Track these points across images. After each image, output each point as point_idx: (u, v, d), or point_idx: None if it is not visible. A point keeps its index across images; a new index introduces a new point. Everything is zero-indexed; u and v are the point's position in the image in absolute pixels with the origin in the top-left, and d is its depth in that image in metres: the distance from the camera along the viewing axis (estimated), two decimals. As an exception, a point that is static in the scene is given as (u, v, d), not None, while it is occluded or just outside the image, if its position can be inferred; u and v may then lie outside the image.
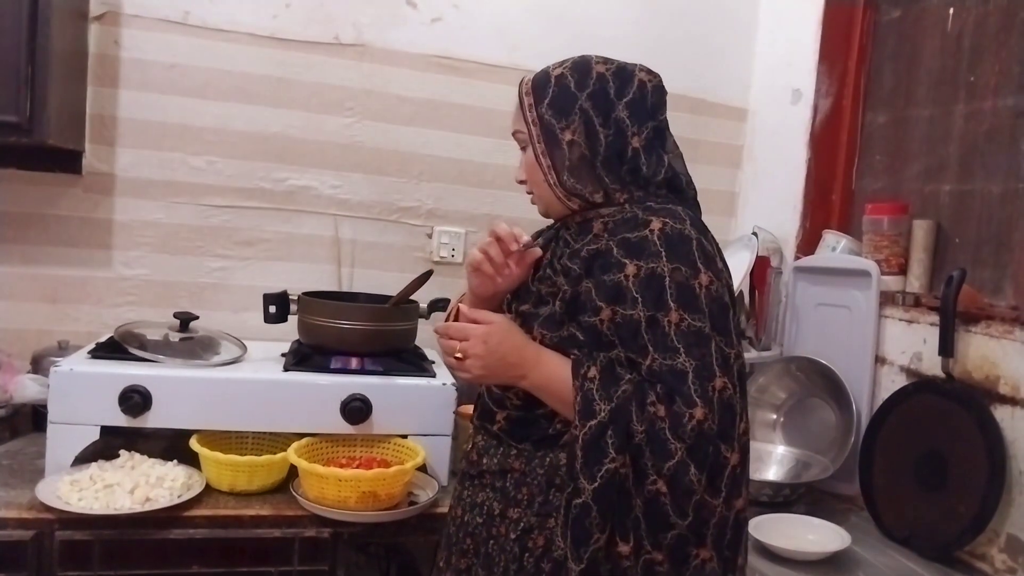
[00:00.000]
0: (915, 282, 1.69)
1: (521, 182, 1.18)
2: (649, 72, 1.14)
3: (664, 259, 1.00)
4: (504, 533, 1.08)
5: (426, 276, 1.67)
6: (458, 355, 1.05)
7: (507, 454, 1.11)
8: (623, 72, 1.11)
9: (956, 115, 1.70)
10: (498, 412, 1.13)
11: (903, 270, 1.72)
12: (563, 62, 1.14)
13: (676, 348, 0.97)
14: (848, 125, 2.00)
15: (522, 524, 1.07)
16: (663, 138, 1.13)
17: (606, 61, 1.12)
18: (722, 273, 1.04)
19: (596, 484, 0.95)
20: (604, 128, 1.08)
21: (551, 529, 1.04)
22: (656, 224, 1.02)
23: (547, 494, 1.06)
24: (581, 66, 1.11)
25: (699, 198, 1.17)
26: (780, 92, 2.18)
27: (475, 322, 1.06)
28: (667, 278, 0.99)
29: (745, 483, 1.02)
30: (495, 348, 1.04)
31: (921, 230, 1.69)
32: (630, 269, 1.01)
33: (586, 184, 1.10)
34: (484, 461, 1.14)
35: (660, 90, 1.13)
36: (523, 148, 1.16)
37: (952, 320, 1.49)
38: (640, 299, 1.00)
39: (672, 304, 0.98)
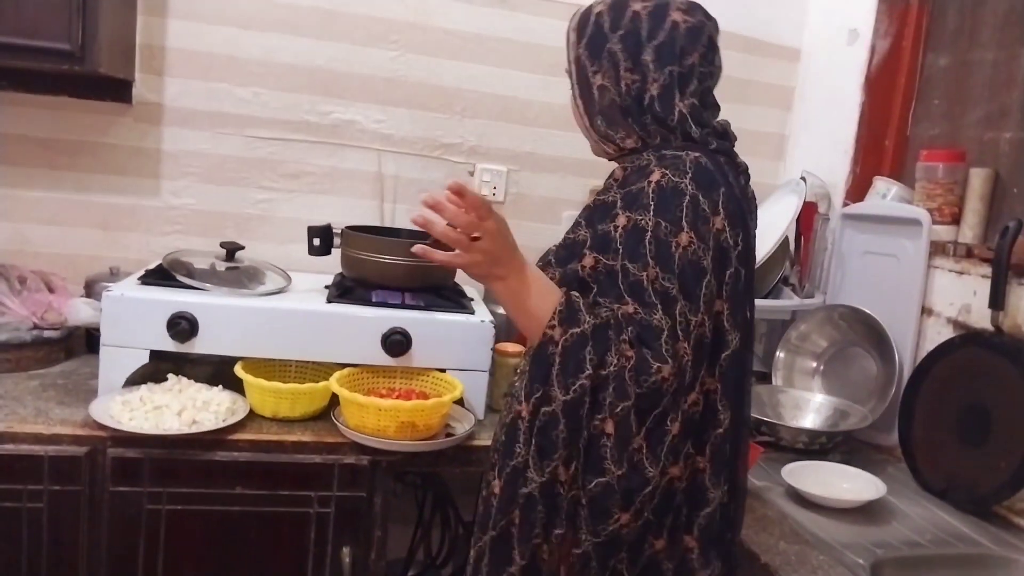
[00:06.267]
0: (968, 232, 1.64)
1: None
2: (687, 12, 1.07)
3: (651, 212, 0.98)
4: None
5: (467, 214, 1.67)
6: (476, 234, 0.95)
7: None
8: (658, 11, 1.06)
9: (1022, 59, 1.61)
10: None
11: (956, 220, 1.67)
12: None
13: (654, 304, 0.95)
14: (907, 68, 1.92)
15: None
16: (685, 82, 1.06)
17: None
18: (708, 234, 0.97)
19: (568, 397, 0.94)
20: (630, 73, 1.06)
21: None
22: (656, 175, 0.99)
23: None
24: (619, 5, 1.08)
25: (747, 140, 1.13)
26: (836, 32, 2.09)
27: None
28: (648, 232, 0.97)
29: (685, 456, 1.00)
30: (504, 237, 0.97)
31: (978, 178, 1.63)
32: (620, 220, 1.01)
33: (617, 129, 1.09)
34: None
35: (694, 31, 1.06)
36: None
37: (1005, 272, 1.44)
38: (621, 250, 0.99)
39: (650, 260, 0.96)
